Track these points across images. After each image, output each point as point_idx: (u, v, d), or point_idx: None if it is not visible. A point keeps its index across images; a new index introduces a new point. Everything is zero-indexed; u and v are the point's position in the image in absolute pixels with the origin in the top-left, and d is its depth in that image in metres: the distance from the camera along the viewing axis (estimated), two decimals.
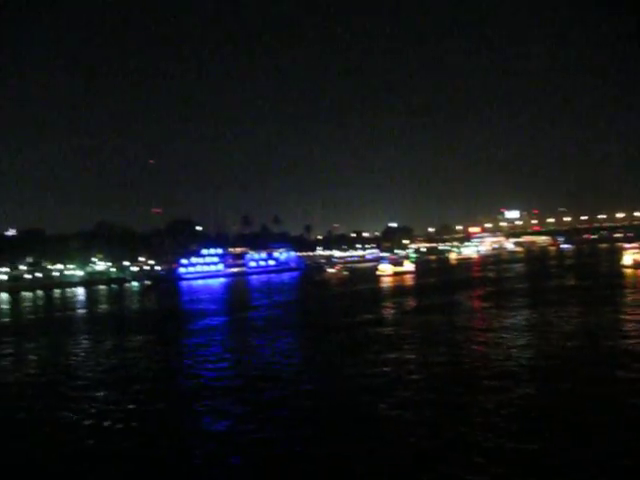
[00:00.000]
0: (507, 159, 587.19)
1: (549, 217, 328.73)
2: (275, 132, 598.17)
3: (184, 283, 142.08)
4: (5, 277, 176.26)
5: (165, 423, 18.95)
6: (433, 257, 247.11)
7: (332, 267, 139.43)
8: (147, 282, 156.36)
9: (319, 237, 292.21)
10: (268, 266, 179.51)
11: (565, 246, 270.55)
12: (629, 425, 15.71)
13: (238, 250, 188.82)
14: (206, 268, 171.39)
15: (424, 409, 18.19)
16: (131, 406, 21.24)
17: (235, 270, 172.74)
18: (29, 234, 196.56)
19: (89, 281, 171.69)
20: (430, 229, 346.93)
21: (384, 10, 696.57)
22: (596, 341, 27.91)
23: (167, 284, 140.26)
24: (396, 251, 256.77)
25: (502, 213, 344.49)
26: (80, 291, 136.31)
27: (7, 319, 74.38)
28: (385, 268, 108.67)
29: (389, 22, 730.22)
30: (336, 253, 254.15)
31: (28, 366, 32.33)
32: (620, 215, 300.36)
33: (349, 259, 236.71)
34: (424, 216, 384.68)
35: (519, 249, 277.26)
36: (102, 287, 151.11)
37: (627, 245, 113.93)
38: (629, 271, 75.61)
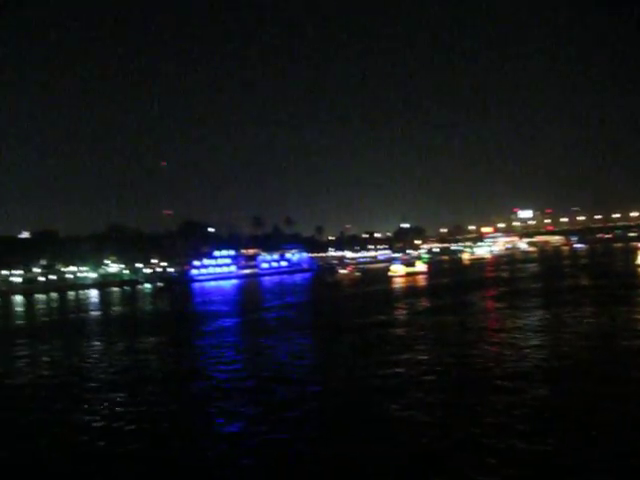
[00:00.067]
0: (519, 159, 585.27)
1: (562, 217, 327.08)
2: (287, 133, 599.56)
3: (196, 285, 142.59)
4: (19, 279, 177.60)
5: (177, 424, 18.95)
6: (446, 257, 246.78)
7: (344, 268, 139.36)
8: (159, 284, 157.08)
9: (331, 238, 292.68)
10: (280, 267, 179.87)
11: (579, 246, 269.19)
12: None
13: (250, 251, 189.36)
14: (218, 270, 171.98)
15: (436, 410, 18.08)
16: (143, 407, 21.28)
17: (247, 271, 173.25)
18: (42, 236, 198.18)
19: (102, 283, 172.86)
20: (442, 229, 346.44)
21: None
22: (610, 341, 27.65)
23: (179, 286, 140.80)
24: (408, 251, 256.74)
25: (515, 213, 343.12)
26: (93, 293, 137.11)
27: (21, 321, 74.91)
28: (397, 269, 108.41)
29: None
30: (348, 254, 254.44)
31: (41, 368, 32.50)
32: (634, 214, 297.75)
33: (361, 260, 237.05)
34: (436, 216, 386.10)
35: (532, 249, 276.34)
36: (115, 289, 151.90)
37: None
38: None
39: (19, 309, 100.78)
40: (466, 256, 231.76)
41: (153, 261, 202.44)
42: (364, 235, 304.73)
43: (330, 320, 45.73)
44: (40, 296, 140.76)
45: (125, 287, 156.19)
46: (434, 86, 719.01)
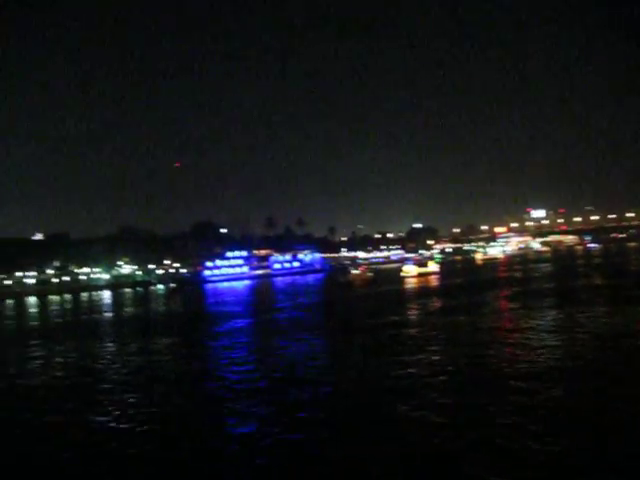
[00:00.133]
0: (532, 159, 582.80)
1: (576, 216, 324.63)
2: (299, 134, 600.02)
3: (209, 285, 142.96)
4: (33, 281, 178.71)
5: (189, 425, 18.97)
6: (459, 257, 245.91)
7: (356, 268, 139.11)
8: (172, 285, 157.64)
9: (343, 238, 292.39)
10: (292, 268, 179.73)
11: (592, 245, 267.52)
12: None
13: (262, 252, 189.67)
14: (231, 270, 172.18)
15: (448, 410, 17.98)
16: (155, 408, 21.32)
17: (260, 272, 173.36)
18: (55, 238, 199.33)
19: (115, 284, 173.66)
20: (455, 229, 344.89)
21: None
22: (624, 341, 27.41)
23: (192, 287, 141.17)
24: (421, 252, 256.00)
25: (528, 213, 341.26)
26: (106, 294, 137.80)
27: (35, 322, 75.35)
28: (409, 269, 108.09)
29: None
30: (360, 254, 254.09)
31: (55, 369, 32.62)
32: None
33: (373, 260, 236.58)
34: (449, 216, 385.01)
35: (546, 249, 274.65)
36: (128, 290, 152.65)
37: None
38: None
39: (33, 310, 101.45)
40: (479, 256, 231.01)
41: (166, 262, 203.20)
42: (376, 235, 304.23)
43: (342, 321, 45.70)
44: (53, 297, 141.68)
45: (138, 288, 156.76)
46: (446, 85, 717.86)
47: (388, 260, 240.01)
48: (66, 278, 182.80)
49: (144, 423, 19.19)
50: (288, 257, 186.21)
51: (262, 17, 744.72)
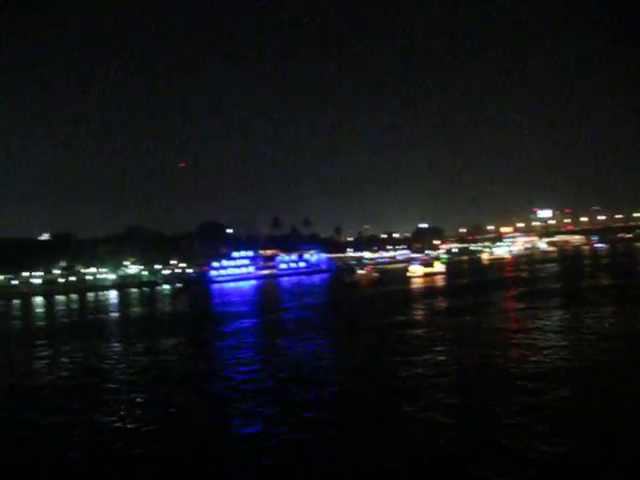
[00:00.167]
0: (539, 159, 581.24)
1: (582, 216, 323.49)
2: (305, 134, 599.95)
3: (215, 286, 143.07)
4: (39, 281, 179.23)
5: (195, 425, 18.97)
6: (465, 257, 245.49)
7: (362, 268, 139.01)
8: (178, 285, 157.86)
9: (349, 239, 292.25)
10: (298, 268, 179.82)
11: (599, 245, 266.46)
12: None
13: (269, 252, 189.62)
14: (237, 270, 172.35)
15: (455, 411, 17.94)
16: (161, 409, 21.33)
17: (266, 272, 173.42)
18: (62, 238, 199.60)
19: (121, 284, 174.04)
20: (461, 229, 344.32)
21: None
22: (630, 342, 27.31)
23: (198, 287, 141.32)
24: (427, 252, 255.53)
25: (534, 213, 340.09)
26: (112, 294, 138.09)
27: (41, 322, 75.53)
28: (416, 269, 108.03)
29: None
30: (366, 254, 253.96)
31: (61, 369, 32.68)
32: None
33: (379, 260, 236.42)
34: (455, 216, 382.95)
35: (552, 249, 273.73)
36: (134, 290, 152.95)
37: None
38: None
39: (39, 310, 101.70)
40: (485, 256, 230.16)
41: (172, 262, 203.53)
42: (382, 235, 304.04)
43: (348, 321, 45.65)
44: (60, 297, 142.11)
45: (144, 288, 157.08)
46: (454, 84, 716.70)
47: (394, 260, 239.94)
48: (72, 278, 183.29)
49: (150, 423, 19.22)
50: (294, 257, 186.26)
51: (262, 17, 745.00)
